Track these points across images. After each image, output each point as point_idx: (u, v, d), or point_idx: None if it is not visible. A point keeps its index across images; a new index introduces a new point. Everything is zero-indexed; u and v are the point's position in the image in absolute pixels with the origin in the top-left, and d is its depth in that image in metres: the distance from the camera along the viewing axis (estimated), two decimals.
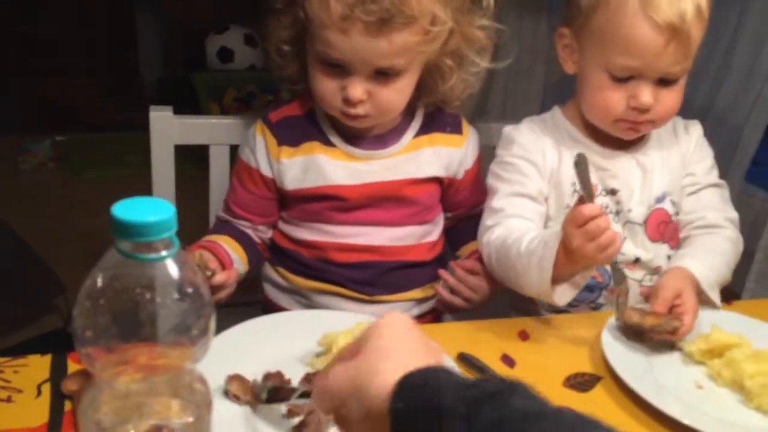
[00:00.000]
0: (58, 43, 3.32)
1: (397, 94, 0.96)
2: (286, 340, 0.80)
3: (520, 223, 0.97)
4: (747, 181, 1.91)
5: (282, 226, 1.07)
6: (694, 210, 1.08)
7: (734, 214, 1.10)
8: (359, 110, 0.94)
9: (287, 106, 1.05)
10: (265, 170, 1.03)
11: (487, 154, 1.19)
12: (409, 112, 1.04)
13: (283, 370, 0.74)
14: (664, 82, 0.96)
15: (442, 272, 1.01)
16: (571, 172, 1.03)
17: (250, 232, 1.05)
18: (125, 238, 0.45)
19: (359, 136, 1.02)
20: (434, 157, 1.04)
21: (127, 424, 0.50)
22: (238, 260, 1.00)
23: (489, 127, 1.25)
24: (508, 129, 1.08)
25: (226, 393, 0.70)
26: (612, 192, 1.04)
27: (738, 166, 1.91)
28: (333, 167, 1.00)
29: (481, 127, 1.20)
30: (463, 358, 0.83)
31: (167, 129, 1.13)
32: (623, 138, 1.04)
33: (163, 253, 0.46)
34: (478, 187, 1.11)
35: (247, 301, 1.19)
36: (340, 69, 0.92)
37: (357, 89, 0.92)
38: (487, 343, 0.87)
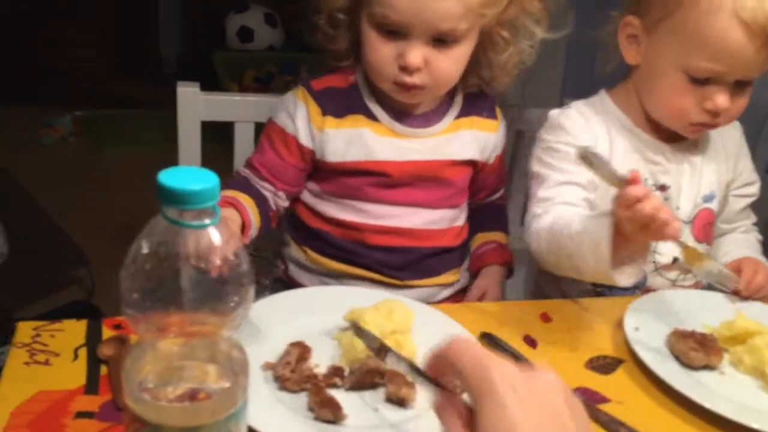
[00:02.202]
0: (77, 15, 3.34)
1: (454, 63, 0.93)
2: (310, 314, 0.81)
3: (568, 209, 0.95)
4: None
5: (312, 201, 1.04)
6: (737, 213, 1.10)
7: (754, 218, 1.13)
8: (416, 79, 0.92)
9: (328, 77, 1.02)
10: (304, 139, 0.99)
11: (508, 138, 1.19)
12: (449, 94, 1.03)
13: (309, 342, 0.75)
14: (739, 84, 0.94)
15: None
16: (622, 162, 1.01)
17: (269, 195, 1.01)
18: (172, 205, 0.46)
19: (403, 113, 1.00)
20: (473, 139, 1.04)
21: (168, 386, 0.51)
22: (255, 225, 0.96)
23: (516, 111, 1.25)
24: (555, 113, 1.05)
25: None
26: (662, 188, 1.03)
27: (761, 158, 1.90)
28: (378, 142, 0.99)
29: (505, 111, 1.20)
30: (486, 338, 0.84)
31: (194, 105, 1.14)
32: (687, 136, 1.02)
33: (207, 221, 0.47)
34: (501, 172, 1.12)
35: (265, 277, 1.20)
36: (398, 35, 0.90)
37: (416, 54, 0.89)
38: (510, 324, 0.88)
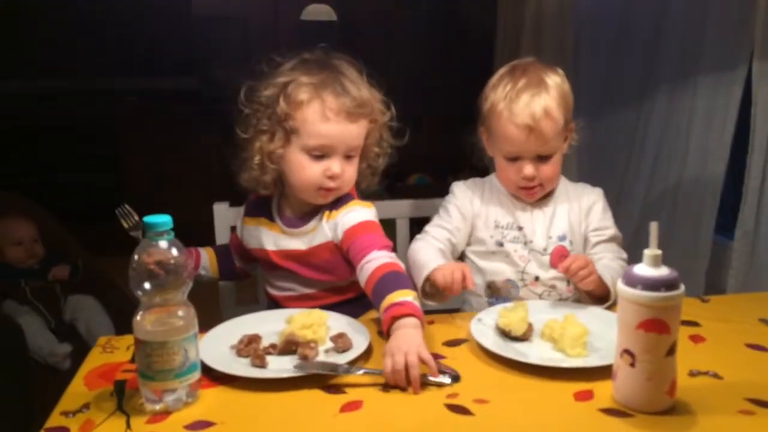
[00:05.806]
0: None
1: (355, 169, 1.41)
2: (271, 321, 1.30)
3: (433, 241, 1.47)
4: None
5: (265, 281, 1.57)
6: (593, 246, 1.52)
7: (625, 255, 1.51)
8: (335, 183, 1.37)
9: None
10: (239, 231, 1.56)
11: None
12: None
13: (263, 336, 1.24)
14: (542, 158, 1.44)
15: None
16: (491, 217, 1.51)
17: (235, 257, 1.60)
18: (150, 230, 1.00)
19: (291, 217, 1.45)
20: (330, 228, 1.41)
21: (156, 325, 1.02)
22: (207, 265, 1.55)
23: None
24: (454, 183, 1.58)
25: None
26: (519, 228, 1.50)
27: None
28: (267, 236, 1.47)
29: None
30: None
31: (226, 216, 1.72)
32: (524, 198, 1.51)
33: (165, 237, 1.00)
34: (360, 238, 1.35)
35: None
36: (322, 156, 1.35)
37: (338, 166, 1.35)
38: None
